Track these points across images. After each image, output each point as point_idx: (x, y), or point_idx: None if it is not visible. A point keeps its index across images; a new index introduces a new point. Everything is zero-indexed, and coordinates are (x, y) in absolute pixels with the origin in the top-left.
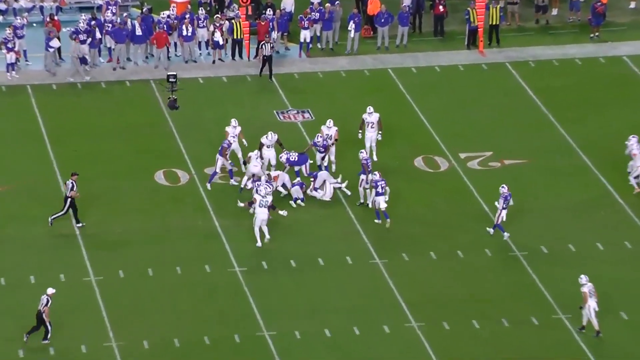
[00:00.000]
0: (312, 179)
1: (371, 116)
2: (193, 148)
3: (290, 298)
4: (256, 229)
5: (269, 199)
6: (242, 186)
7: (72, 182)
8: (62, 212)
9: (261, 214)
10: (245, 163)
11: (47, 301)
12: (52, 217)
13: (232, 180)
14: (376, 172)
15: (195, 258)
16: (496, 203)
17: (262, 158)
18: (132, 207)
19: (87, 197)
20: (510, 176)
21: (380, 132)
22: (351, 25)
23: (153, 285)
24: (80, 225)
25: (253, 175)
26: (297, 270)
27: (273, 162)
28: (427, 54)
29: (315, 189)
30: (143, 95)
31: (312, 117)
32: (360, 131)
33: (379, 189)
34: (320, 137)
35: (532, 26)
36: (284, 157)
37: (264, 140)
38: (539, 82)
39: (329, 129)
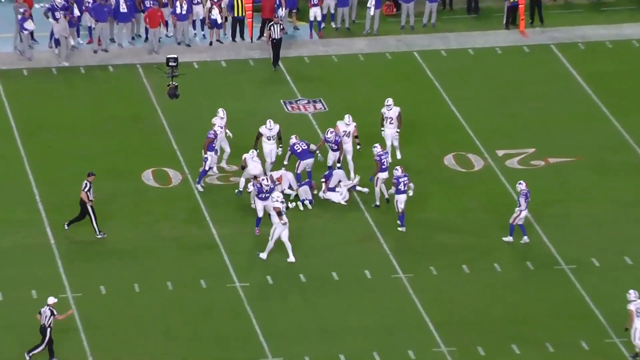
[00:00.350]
0: (322, 180)
1: (390, 110)
2: (187, 144)
3: (299, 318)
4: (271, 243)
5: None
6: (240, 189)
7: (86, 183)
8: (81, 218)
9: (280, 226)
10: (243, 168)
11: (52, 313)
12: (68, 223)
13: (198, 185)
14: (398, 167)
15: (189, 272)
16: (518, 208)
17: (257, 151)
18: (115, 212)
19: (62, 201)
20: (555, 176)
21: (398, 129)
22: (371, 2)
23: (140, 304)
24: (101, 235)
25: (255, 177)
26: (307, 285)
27: (272, 158)
28: (459, 34)
29: (332, 190)
30: (129, 82)
31: (324, 108)
32: (383, 128)
33: (401, 187)
34: (332, 132)
35: (581, 2)
36: (293, 139)
37: (263, 130)
38: (589, 67)
39: (348, 126)
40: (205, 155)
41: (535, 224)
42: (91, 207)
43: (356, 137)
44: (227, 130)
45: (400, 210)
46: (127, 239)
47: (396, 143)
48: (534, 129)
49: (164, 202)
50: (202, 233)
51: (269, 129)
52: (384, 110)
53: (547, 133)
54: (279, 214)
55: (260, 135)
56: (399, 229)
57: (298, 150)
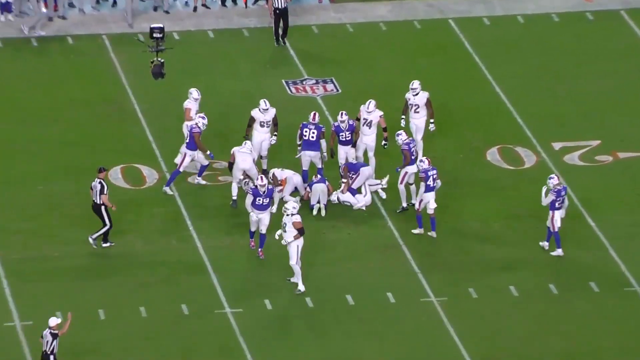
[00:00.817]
0: (350, 175)
1: (417, 96)
2: (165, 134)
3: (304, 353)
4: (298, 266)
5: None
6: (234, 198)
7: (100, 182)
8: (107, 226)
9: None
10: (231, 166)
11: (53, 338)
12: (94, 236)
13: (166, 188)
14: (423, 158)
15: (166, 295)
16: (543, 200)
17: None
18: (75, 219)
19: (8, 206)
20: (626, 174)
21: (432, 120)
22: None
23: (105, 334)
24: (108, 244)
25: (245, 175)
26: (315, 312)
27: (263, 150)
28: None
29: (352, 191)
30: (93, 57)
31: (337, 90)
32: (403, 116)
33: (430, 182)
34: (345, 115)
35: None
36: (313, 116)
37: (256, 113)
38: None
39: (370, 114)
40: (190, 152)
41: (601, 235)
42: (107, 212)
43: (384, 129)
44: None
45: (431, 212)
46: (89, 253)
47: (419, 136)
48: (599, 116)
49: (136, 208)
50: (184, 247)
51: (264, 109)
52: (408, 95)
53: (615, 121)
54: (301, 231)
55: (252, 120)
56: (429, 233)
57: (305, 137)
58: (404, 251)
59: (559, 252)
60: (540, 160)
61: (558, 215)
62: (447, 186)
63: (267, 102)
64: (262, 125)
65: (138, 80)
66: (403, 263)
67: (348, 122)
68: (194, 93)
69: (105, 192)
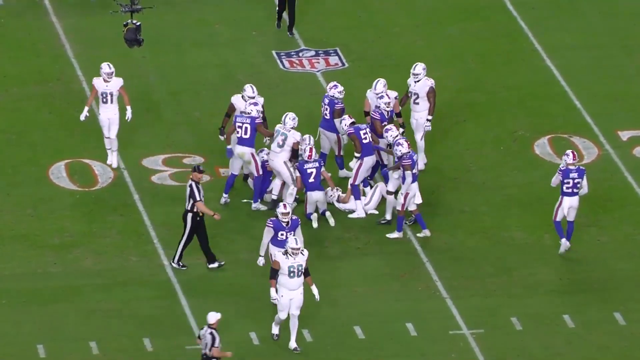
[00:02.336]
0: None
1: (417, 82)
2: (124, 120)
3: None
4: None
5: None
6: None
7: (193, 186)
8: (185, 238)
9: (294, 290)
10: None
11: (212, 339)
12: (176, 258)
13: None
14: (402, 140)
15: (124, 326)
16: (553, 185)
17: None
18: (4, 230)
19: None
20: None
21: (430, 116)
22: None
23: None
24: (215, 265)
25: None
26: (314, 347)
27: (247, 156)
28: None
29: (356, 192)
30: (28, 21)
31: (342, 64)
32: (396, 113)
33: (415, 170)
34: (337, 88)
35: None
36: (347, 119)
37: (237, 101)
38: None
39: (381, 99)
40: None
41: None
42: (192, 222)
43: (398, 115)
44: (128, 106)
45: (415, 207)
46: (25, 273)
47: (420, 141)
48: None
49: (85, 215)
50: (146, 264)
51: (250, 98)
52: (410, 80)
53: None
54: (307, 273)
55: (233, 109)
56: (421, 233)
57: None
58: (427, 270)
59: (564, 243)
60: (603, 154)
61: (567, 202)
62: (483, 187)
63: (255, 89)
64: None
65: (87, 51)
66: (427, 285)
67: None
68: (105, 67)
69: (201, 197)
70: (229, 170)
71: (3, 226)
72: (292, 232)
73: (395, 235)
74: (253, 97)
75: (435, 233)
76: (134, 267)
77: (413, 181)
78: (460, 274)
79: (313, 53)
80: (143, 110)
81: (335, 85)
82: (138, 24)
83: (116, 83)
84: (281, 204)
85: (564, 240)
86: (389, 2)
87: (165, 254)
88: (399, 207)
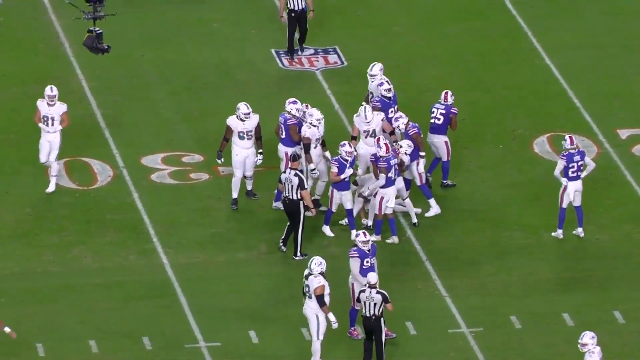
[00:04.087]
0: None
1: (372, 83)
2: (120, 119)
3: None
4: (317, 341)
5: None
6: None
7: (295, 175)
8: (300, 231)
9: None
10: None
11: (384, 298)
12: (298, 252)
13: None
14: (381, 143)
15: (123, 325)
16: (557, 173)
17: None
18: (4, 231)
19: None
20: None
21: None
22: None
23: None
24: (300, 257)
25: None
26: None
27: (248, 170)
28: None
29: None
30: (27, 20)
31: (342, 62)
32: (364, 103)
33: (391, 174)
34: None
35: None
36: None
37: (233, 122)
38: None
39: (368, 124)
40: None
41: None
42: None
43: (391, 133)
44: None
45: (390, 211)
46: (24, 272)
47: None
48: None
49: (84, 215)
50: (146, 263)
51: (245, 115)
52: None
53: None
54: (320, 300)
55: (230, 132)
56: (390, 239)
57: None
58: (427, 268)
59: (558, 232)
60: (602, 152)
61: (572, 187)
62: (483, 186)
63: (249, 106)
64: (241, 137)
65: (87, 51)
66: (426, 284)
67: (349, 152)
68: (48, 91)
69: (306, 186)
70: (229, 169)
71: (2, 225)
72: (374, 257)
73: (373, 238)
74: (248, 114)
75: (434, 232)
76: (133, 265)
77: (387, 185)
78: (460, 273)
79: (312, 51)
80: (142, 109)
81: (294, 101)
82: (100, 31)
83: (59, 108)
84: (360, 232)
85: (560, 231)
86: (388, 1)
87: (163, 253)
88: (376, 211)
